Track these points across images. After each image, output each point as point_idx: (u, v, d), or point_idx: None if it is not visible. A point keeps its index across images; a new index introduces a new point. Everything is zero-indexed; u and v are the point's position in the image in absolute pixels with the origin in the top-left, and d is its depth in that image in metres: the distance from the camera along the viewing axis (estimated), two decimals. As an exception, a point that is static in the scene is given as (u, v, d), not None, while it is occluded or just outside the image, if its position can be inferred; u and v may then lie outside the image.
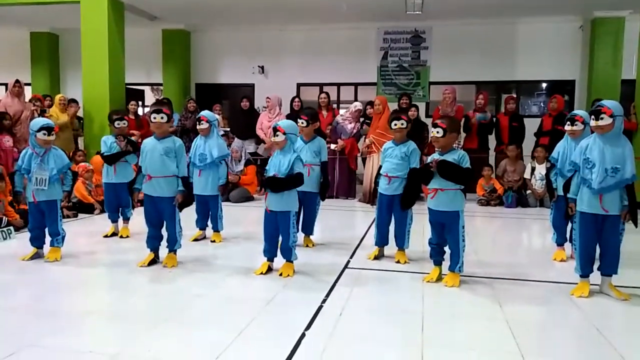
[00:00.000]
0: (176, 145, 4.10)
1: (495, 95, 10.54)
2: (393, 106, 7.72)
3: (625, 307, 3.32)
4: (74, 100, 8.61)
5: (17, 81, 7.37)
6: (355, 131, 8.20)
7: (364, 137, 8.11)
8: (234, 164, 7.96)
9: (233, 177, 7.71)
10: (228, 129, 9.00)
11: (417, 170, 3.99)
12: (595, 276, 3.53)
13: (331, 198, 7.98)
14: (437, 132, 3.61)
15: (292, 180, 3.76)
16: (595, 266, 3.52)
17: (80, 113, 8.70)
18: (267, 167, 3.94)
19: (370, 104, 8.47)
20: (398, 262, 4.31)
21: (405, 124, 4.27)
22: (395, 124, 4.28)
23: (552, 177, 4.44)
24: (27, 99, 7.81)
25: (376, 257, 4.42)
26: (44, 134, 4.12)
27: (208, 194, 4.95)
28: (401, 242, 4.37)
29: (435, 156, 3.70)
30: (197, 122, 5.00)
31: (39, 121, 4.24)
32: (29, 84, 10.98)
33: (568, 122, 4.19)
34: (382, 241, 4.45)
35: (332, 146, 7.98)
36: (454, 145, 3.81)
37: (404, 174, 4.23)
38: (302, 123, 4.70)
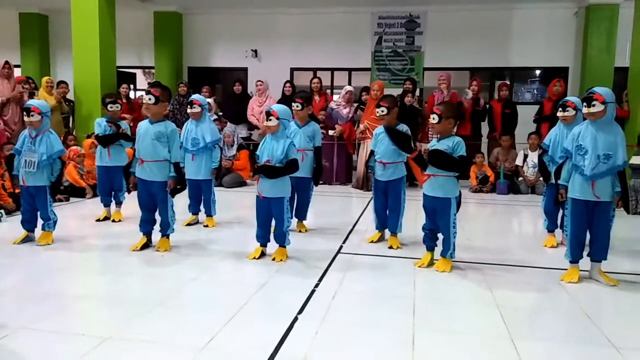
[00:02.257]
0: (168, 130, 4.03)
1: (489, 82, 10.53)
2: (389, 92, 7.69)
3: (613, 292, 3.37)
4: (63, 82, 8.51)
5: (6, 62, 7.26)
6: (351, 115, 8.19)
7: (357, 122, 8.10)
8: (227, 148, 7.93)
9: (226, 162, 7.69)
10: (221, 113, 8.95)
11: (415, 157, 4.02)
12: (585, 262, 3.57)
13: (331, 184, 8.00)
14: (433, 119, 3.65)
15: (287, 167, 3.76)
16: (585, 252, 3.56)
17: (70, 96, 8.61)
18: (257, 152, 3.91)
19: (365, 89, 8.44)
20: (391, 247, 4.34)
21: (386, 110, 4.28)
22: (377, 112, 4.35)
23: (545, 159, 4.46)
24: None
25: (375, 241, 4.46)
26: (25, 115, 4.10)
27: (201, 179, 4.93)
28: (394, 227, 4.40)
29: (434, 142, 3.74)
30: (189, 106, 4.95)
31: (25, 103, 4.25)
32: (18, 66, 10.81)
33: (560, 109, 4.22)
34: (381, 225, 4.48)
35: (330, 132, 7.97)
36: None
37: (397, 159, 4.29)
38: (297, 106, 4.68)
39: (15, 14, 11.36)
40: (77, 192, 6.44)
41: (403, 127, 4.34)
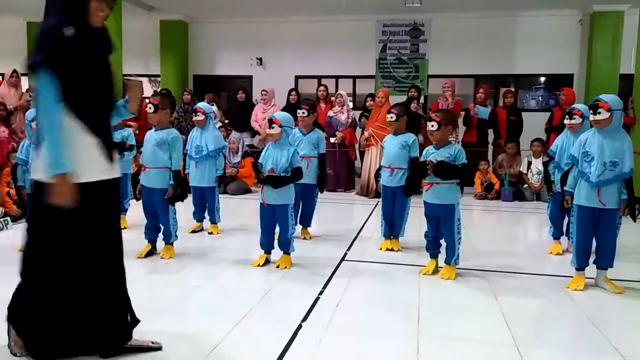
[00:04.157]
0: (169, 137, 4.00)
1: (494, 89, 10.53)
2: (393, 99, 7.71)
3: (619, 300, 3.35)
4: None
5: (14, 71, 7.34)
6: (350, 121, 8.19)
7: (361, 129, 8.10)
8: (232, 155, 7.95)
9: (230, 169, 7.71)
10: (227, 121, 8.99)
11: (416, 164, 3.99)
12: (591, 269, 3.55)
13: (334, 191, 7.99)
14: (432, 126, 3.64)
15: (293, 176, 3.78)
16: (591, 260, 3.54)
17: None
18: (260, 161, 3.92)
19: (371, 95, 8.46)
20: (392, 249, 4.38)
21: (395, 117, 4.36)
22: (387, 117, 4.47)
23: (551, 170, 4.46)
24: (24, 89, 7.78)
25: (386, 249, 4.47)
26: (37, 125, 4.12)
27: (205, 186, 4.94)
28: (397, 230, 4.47)
29: (431, 149, 3.73)
30: (194, 114, 4.98)
31: (33, 112, 4.26)
32: (25, 75, 10.91)
33: (567, 116, 4.23)
34: (390, 231, 4.51)
35: (332, 139, 7.97)
36: (451, 138, 3.85)
37: (405, 164, 4.34)
38: (303, 113, 4.72)
39: (23, 23, 11.48)
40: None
41: (411, 137, 4.39)
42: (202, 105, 5.04)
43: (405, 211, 4.43)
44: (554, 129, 7.86)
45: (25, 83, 8.38)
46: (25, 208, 4.50)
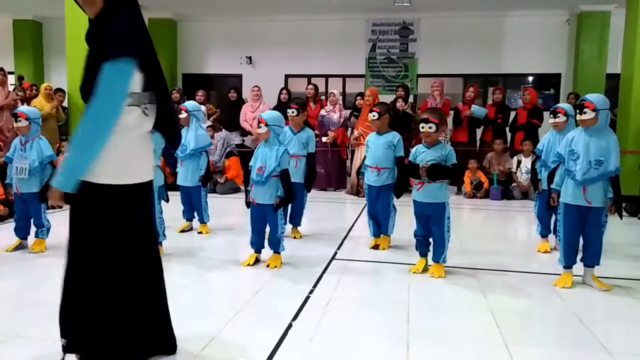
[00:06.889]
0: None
1: (482, 89, 10.60)
2: (383, 98, 7.73)
3: (606, 297, 3.39)
4: (60, 90, 8.49)
5: (1, 69, 7.24)
6: (342, 120, 8.19)
7: (351, 128, 8.11)
8: (211, 154, 7.88)
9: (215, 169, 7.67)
10: (216, 119, 8.93)
11: (406, 165, 3.96)
12: (578, 267, 3.59)
13: (324, 190, 7.99)
14: (430, 128, 3.63)
15: (285, 180, 3.77)
16: (578, 257, 3.58)
17: (65, 103, 8.58)
18: (251, 163, 3.91)
19: (360, 94, 8.47)
20: (379, 247, 4.42)
21: (377, 115, 4.37)
22: (369, 116, 4.47)
23: (538, 168, 4.50)
24: (10, 88, 7.69)
25: (374, 247, 4.49)
26: (14, 121, 4.10)
27: (189, 185, 4.90)
28: (385, 229, 4.47)
29: (421, 149, 3.75)
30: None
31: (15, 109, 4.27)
32: (12, 73, 10.78)
33: (551, 115, 4.29)
34: (378, 230, 4.52)
35: (324, 139, 7.97)
36: (441, 138, 3.89)
37: (391, 164, 4.32)
38: (293, 112, 4.72)
39: (9, 20, 11.35)
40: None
41: (396, 137, 4.39)
42: (186, 103, 5.02)
43: (389, 209, 4.42)
44: (517, 127, 8.01)
45: (12, 81, 8.30)
46: (13, 207, 4.46)
